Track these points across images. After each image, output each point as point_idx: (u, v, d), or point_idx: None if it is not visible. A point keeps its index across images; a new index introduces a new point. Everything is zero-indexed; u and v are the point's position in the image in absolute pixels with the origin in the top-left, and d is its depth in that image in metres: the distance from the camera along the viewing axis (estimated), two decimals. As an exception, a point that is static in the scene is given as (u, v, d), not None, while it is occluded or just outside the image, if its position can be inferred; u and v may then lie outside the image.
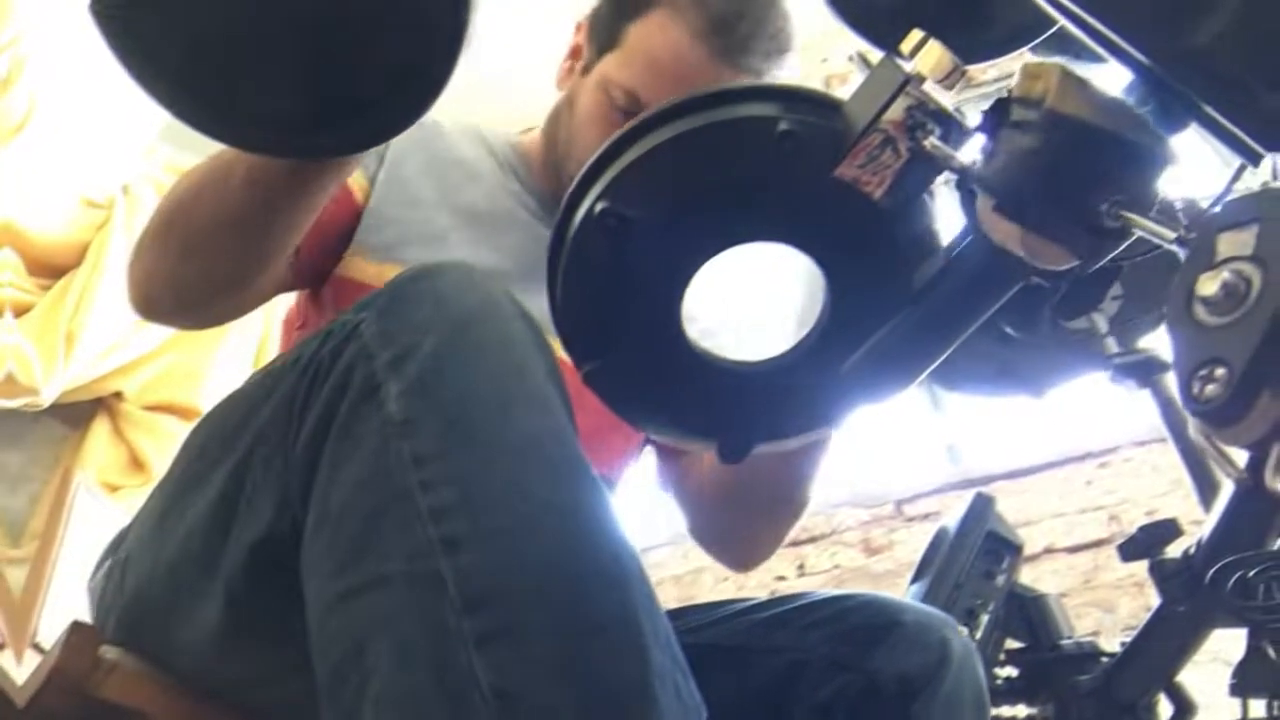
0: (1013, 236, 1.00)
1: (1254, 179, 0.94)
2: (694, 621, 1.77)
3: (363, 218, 1.85)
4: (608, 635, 0.92)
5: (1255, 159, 0.91)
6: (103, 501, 3.63)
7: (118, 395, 4.49)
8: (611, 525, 1.01)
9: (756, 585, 4.98)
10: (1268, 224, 0.80)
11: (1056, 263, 1.02)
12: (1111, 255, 1.00)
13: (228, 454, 1.27)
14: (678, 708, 0.93)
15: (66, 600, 3.08)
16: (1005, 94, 1.02)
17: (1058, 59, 0.95)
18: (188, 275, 1.57)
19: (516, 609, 0.91)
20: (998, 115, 1.02)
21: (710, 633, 1.77)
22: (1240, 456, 0.87)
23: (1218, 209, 0.87)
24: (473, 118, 2.07)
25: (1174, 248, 0.88)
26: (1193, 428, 0.86)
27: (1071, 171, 0.96)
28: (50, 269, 4.19)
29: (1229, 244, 0.82)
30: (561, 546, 0.96)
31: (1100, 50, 0.96)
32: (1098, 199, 0.94)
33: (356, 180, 1.81)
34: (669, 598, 2.51)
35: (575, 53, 2.02)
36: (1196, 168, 1.00)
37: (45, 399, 4.03)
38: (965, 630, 2.17)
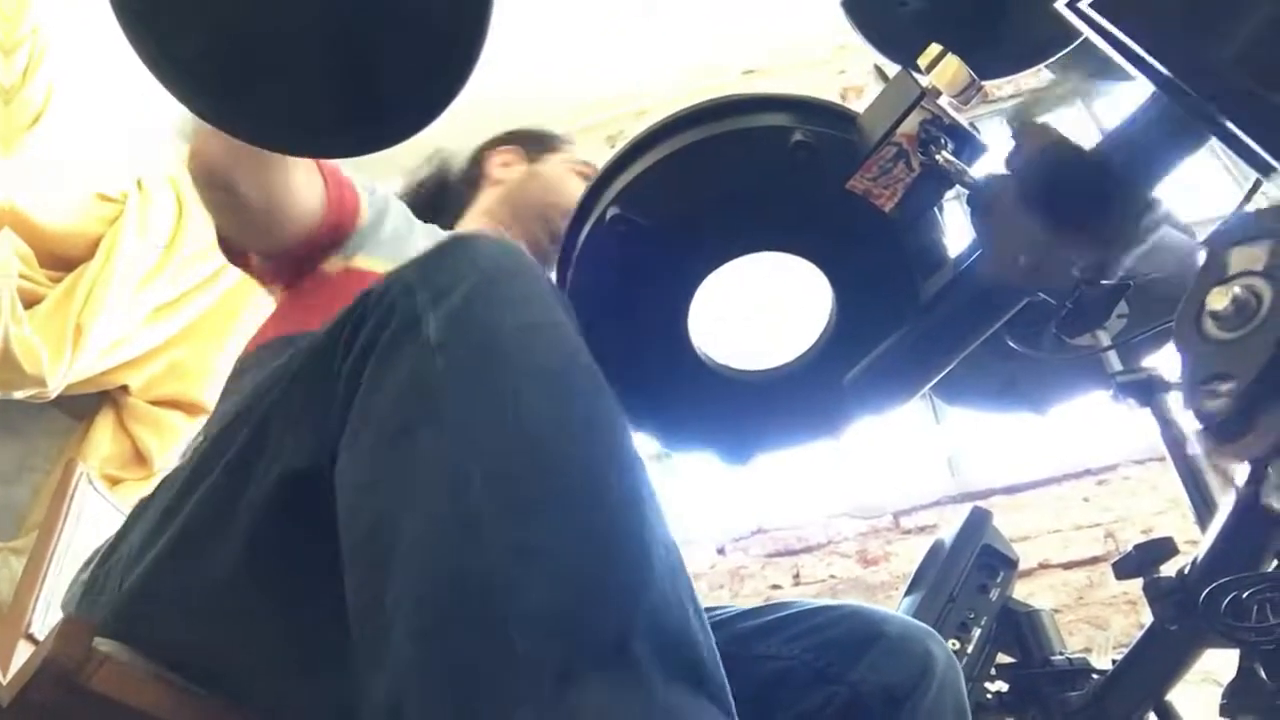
0: (1041, 226, 1.01)
1: (1273, 193, 0.95)
2: None
3: (359, 230, 2.00)
4: (620, 513, 0.98)
5: (1265, 169, 0.92)
6: (104, 494, 3.62)
7: (124, 389, 4.50)
8: (623, 434, 1.06)
9: (751, 593, 4.98)
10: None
11: (1085, 253, 1.03)
12: (1139, 249, 1.01)
13: (255, 407, 1.30)
14: (665, 558, 0.98)
15: (64, 592, 3.08)
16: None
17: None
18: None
19: (540, 487, 0.96)
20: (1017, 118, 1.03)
21: None
22: (1238, 473, 0.88)
23: (1231, 223, 0.87)
24: (477, 126, 2.17)
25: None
26: (1192, 442, 0.87)
27: (1090, 177, 0.97)
28: (62, 261, 4.20)
29: (1241, 258, 0.82)
30: (582, 453, 1.01)
31: (1123, 62, 0.96)
32: (1116, 205, 0.95)
33: (363, 206, 1.94)
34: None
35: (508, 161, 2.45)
36: (1210, 183, 1.01)
37: (51, 391, 4.03)
38: (956, 643, 2.18)
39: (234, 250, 2.01)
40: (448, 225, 2.31)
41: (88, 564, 1.60)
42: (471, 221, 2.38)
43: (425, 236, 2.15)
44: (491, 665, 0.88)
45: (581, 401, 1.06)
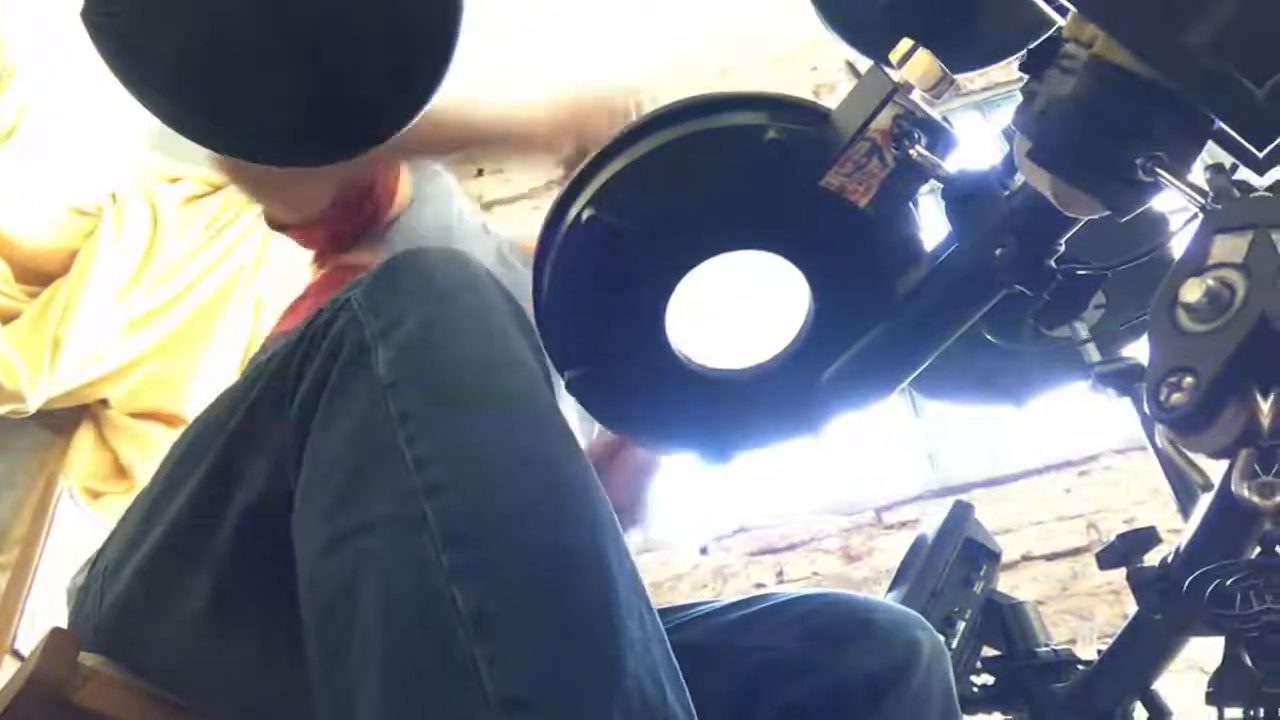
0: (1044, 182, 1.01)
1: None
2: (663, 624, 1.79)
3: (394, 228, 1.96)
4: (577, 566, 0.97)
5: (1249, 159, 0.91)
6: (86, 509, 3.63)
7: (103, 402, 4.50)
8: (581, 472, 1.06)
9: (735, 592, 4.96)
10: (1262, 232, 0.80)
11: (1085, 212, 1.02)
12: (1139, 209, 1.00)
13: (219, 434, 1.31)
14: (639, 633, 0.97)
15: (47, 607, 3.08)
16: (1058, 33, 1.02)
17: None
18: None
19: (492, 543, 0.96)
20: (1044, 54, 1.02)
21: (677, 635, 1.78)
22: (1208, 463, 0.88)
23: (1216, 210, 0.87)
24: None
25: (1200, 214, 0.88)
26: (1159, 434, 0.86)
27: (1111, 121, 0.96)
28: (38, 276, 4.20)
29: (1222, 248, 0.82)
30: (534, 489, 1.01)
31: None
32: (1134, 152, 0.94)
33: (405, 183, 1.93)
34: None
35: None
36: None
37: (30, 405, 4.03)
38: (941, 637, 2.18)
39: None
40: None
41: (81, 570, 1.60)
42: None
43: (474, 234, 2.12)
44: None
45: (534, 442, 1.06)
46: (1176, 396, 0.79)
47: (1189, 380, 0.79)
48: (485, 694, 0.87)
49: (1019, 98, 1.05)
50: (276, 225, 1.97)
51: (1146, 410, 0.84)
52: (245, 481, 1.23)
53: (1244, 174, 0.95)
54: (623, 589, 0.98)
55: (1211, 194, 0.89)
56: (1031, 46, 1.04)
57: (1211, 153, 0.97)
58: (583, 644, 0.93)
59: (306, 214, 1.88)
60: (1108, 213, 1.01)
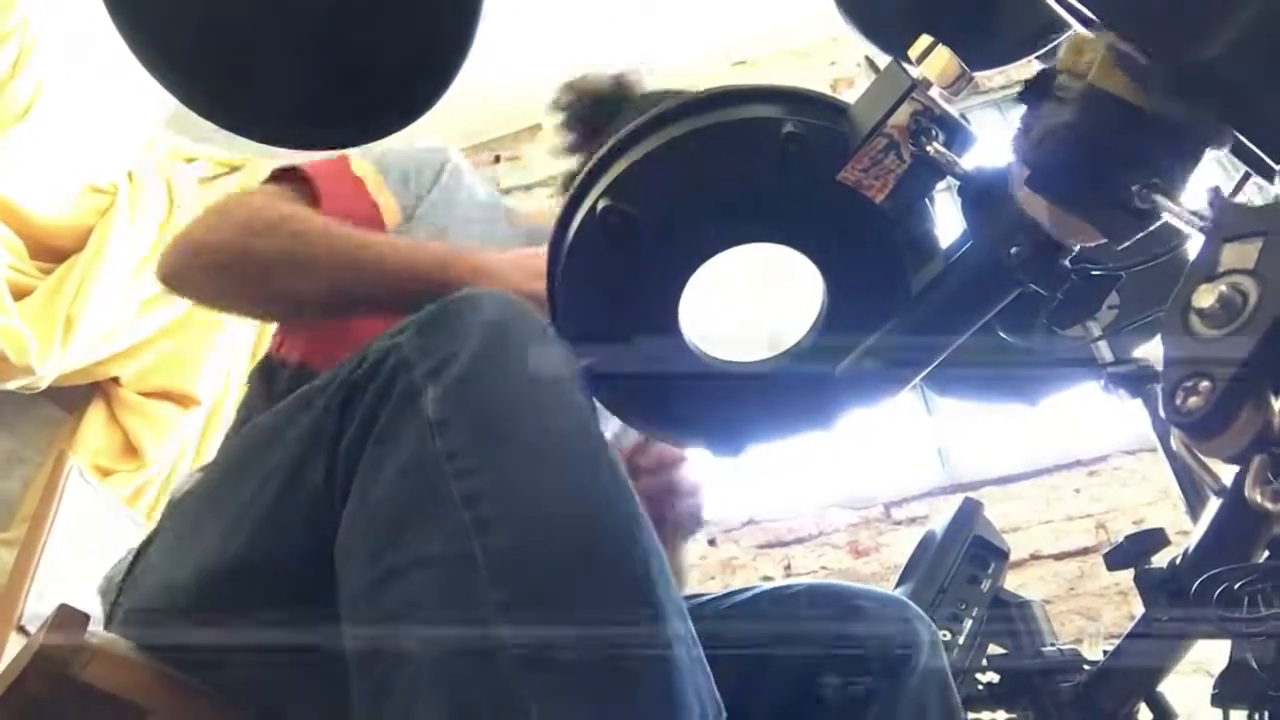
0: (1041, 209, 1.01)
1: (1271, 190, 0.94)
2: None
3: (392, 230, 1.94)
4: (625, 602, 0.97)
5: (1265, 171, 0.91)
6: (95, 486, 3.63)
7: (114, 380, 4.50)
8: (630, 508, 1.06)
9: (742, 584, 4.98)
10: (1272, 238, 0.80)
11: (1083, 239, 1.03)
12: (1136, 236, 1.01)
13: (259, 466, 1.30)
14: (688, 661, 0.97)
15: (55, 583, 3.08)
16: (1052, 66, 1.02)
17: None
18: (233, 304, 1.82)
19: (541, 580, 0.96)
20: (1040, 86, 1.02)
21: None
22: (1221, 468, 0.88)
23: (1227, 217, 0.87)
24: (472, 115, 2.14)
25: (1199, 236, 0.88)
26: (1174, 438, 0.86)
27: (1106, 149, 0.96)
28: (52, 253, 4.20)
29: (1233, 255, 0.82)
30: (582, 525, 1.01)
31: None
32: (1130, 179, 0.94)
33: (388, 204, 1.89)
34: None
35: None
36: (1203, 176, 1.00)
37: (42, 382, 4.03)
38: (947, 634, 2.18)
39: None
40: None
41: (116, 568, 1.61)
42: None
43: (483, 217, 2.11)
44: None
45: (583, 479, 1.05)
46: (1192, 400, 0.80)
47: (1204, 384, 0.79)
48: None
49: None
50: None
51: (1161, 414, 0.84)
52: (285, 517, 1.24)
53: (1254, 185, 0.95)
54: (672, 623, 0.98)
55: (1212, 215, 0.89)
56: (1027, 80, 1.04)
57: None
58: (633, 680, 0.94)
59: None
60: (1104, 240, 1.01)
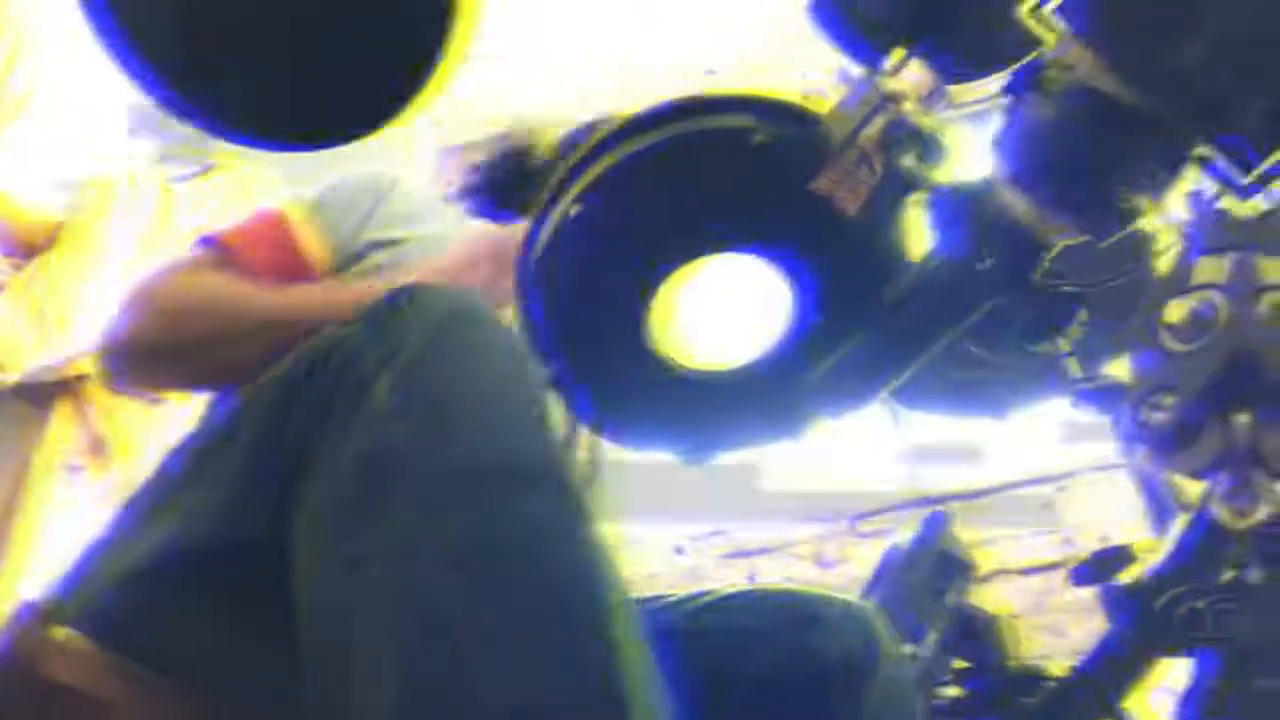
0: (1021, 205, 1.01)
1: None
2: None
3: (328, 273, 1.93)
4: (580, 579, 0.99)
5: (1234, 185, 0.91)
6: (65, 483, 3.62)
7: (83, 377, 4.49)
8: (567, 479, 1.07)
9: (707, 594, 5.00)
10: (1245, 254, 0.80)
11: (1062, 236, 1.02)
12: (1116, 234, 1.00)
13: (211, 461, 1.30)
14: (636, 640, 1.00)
15: (23, 581, 3.08)
16: (1040, 55, 1.02)
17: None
18: (179, 383, 1.88)
19: (496, 563, 0.97)
20: (1026, 76, 1.02)
21: (649, 622, 1.80)
22: (1186, 483, 0.88)
23: (1200, 232, 0.87)
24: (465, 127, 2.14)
25: (1177, 241, 0.88)
26: (1139, 454, 0.86)
27: (1090, 147, 0.96)
28: (25, 249, 4.19)
29: (1206, 270, 0.82)
30: (529, 499, 1.02)
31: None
32: (1113, 178, 0.94)
33: (317, 249, 1.88)
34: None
35: None
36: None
37: (10, 379, 4.02)
38: (912, 648, 2.18)
39: None
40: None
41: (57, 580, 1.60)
42: None
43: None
44: None
45: (530, 460, 1.06)
46: (1157, 416, 0.80)
47: (1169, 400, 0.79)
48: (493, 708, 0.89)
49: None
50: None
51: (1127, 429, 0.84)
52: (238, 518, 1.23)
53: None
54: (614, 596, 1.00)
55: (1192, 220, 0.89)
56: (1013, 68, 1.03)
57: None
58: (584, 655, 0.94)
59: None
60: (1085, 237, 1.01)
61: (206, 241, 1.89)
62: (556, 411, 1.16)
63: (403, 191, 2.06)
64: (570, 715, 0.91)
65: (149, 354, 1.75)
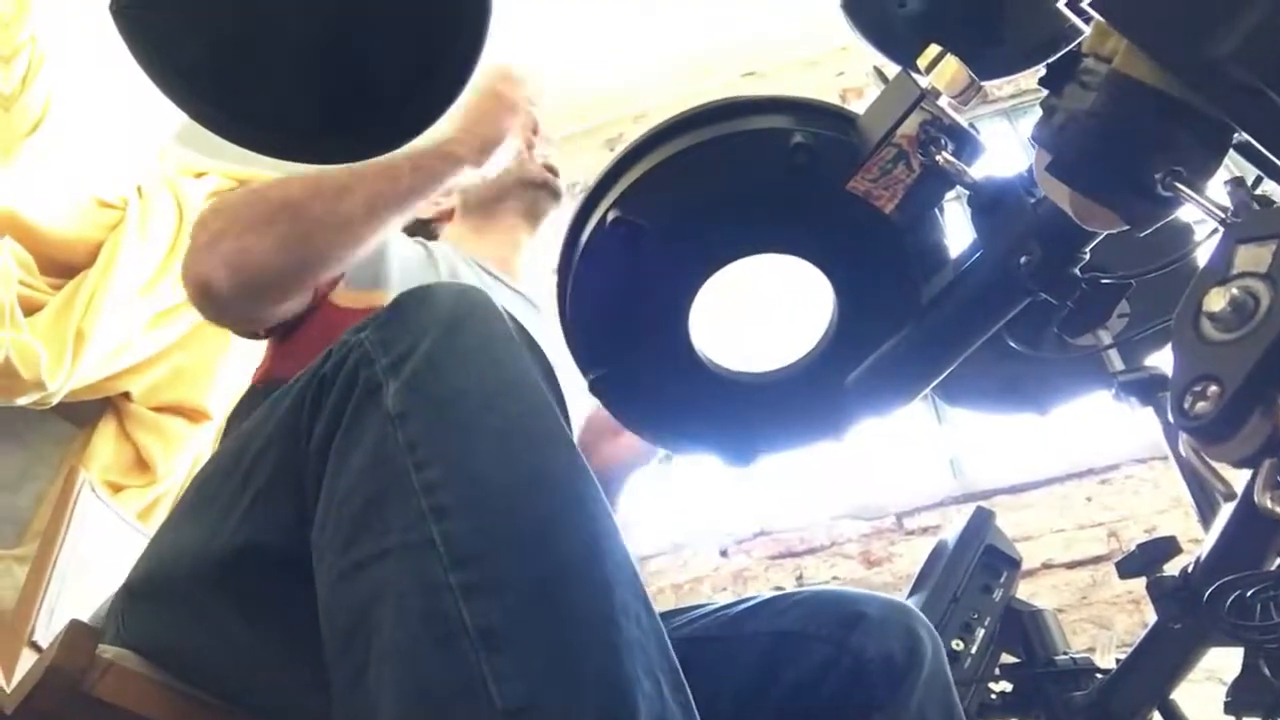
0: (1063, 196, 1.01)
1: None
2: (668, 624, 1.80)
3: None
4: (577, 580, 1.00)
5: (1276, 172, 0.91)
6: (106, 502, 3.62)
7: (125, 395, 4.50)
8: (583, 487, 1.08)
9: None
10: (1285, 240, 0.80)
11: (1104, 226, 1.02)
12: (1158, 224, 1.00)
13: (237, 468, 1.32)
14: (637, 634, 0.99)
15: (67, 599, 3.09)
16: (1078, 47, 1.02)
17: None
18: (278, 265, 1.77)
19: (496, 563, 0.98)
20: (1064, 68, 1.02)
21: (688, 629, 1.82)
22: (1233, 473, 0.87)
23: (1240, 221, 0.87)
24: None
25: (1217, 229, 0.88)
26: (1183, 444, 0.86)
27: (1130, 136, 0.95)
28: (62, 268, 4.20)
29: (1246, 258, 0.82)
30: (535, 508, 1.03)
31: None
32: (1153, 167, 0.94)
33: None
34: (668, 604, 2.54)
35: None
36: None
37: (53, 397, 4.03)
38: (960, 643, 2.18)
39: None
40: None
41: (109, 600, 1.62)
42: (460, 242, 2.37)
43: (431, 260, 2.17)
44: None
45: (537, 462, 1.08)
46: (1201, 405, 0.79)
47: (1214, 389, 0.79)
48: (493, 705, 0.90)
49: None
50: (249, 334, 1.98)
51: (1170, 419, 0.84)
52: (255, 518, 1.27)
53: (1268, 186, 0.95)
54: (620, 595, 1.00)
55: (1232, 208, 0.89)
56: (1051, 61, 1.03)
57: (1236, 163, 0.97)
58: (582, 653, 0.95)
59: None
60: (1126, 227, 1.01)
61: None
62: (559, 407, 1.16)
63: None
64: (572, 712, 0.92)
65: (263, 224, 1.72)
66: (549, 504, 1.04)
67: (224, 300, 1.75)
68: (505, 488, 1.03)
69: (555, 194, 2.43)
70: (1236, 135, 0.93)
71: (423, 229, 2.42)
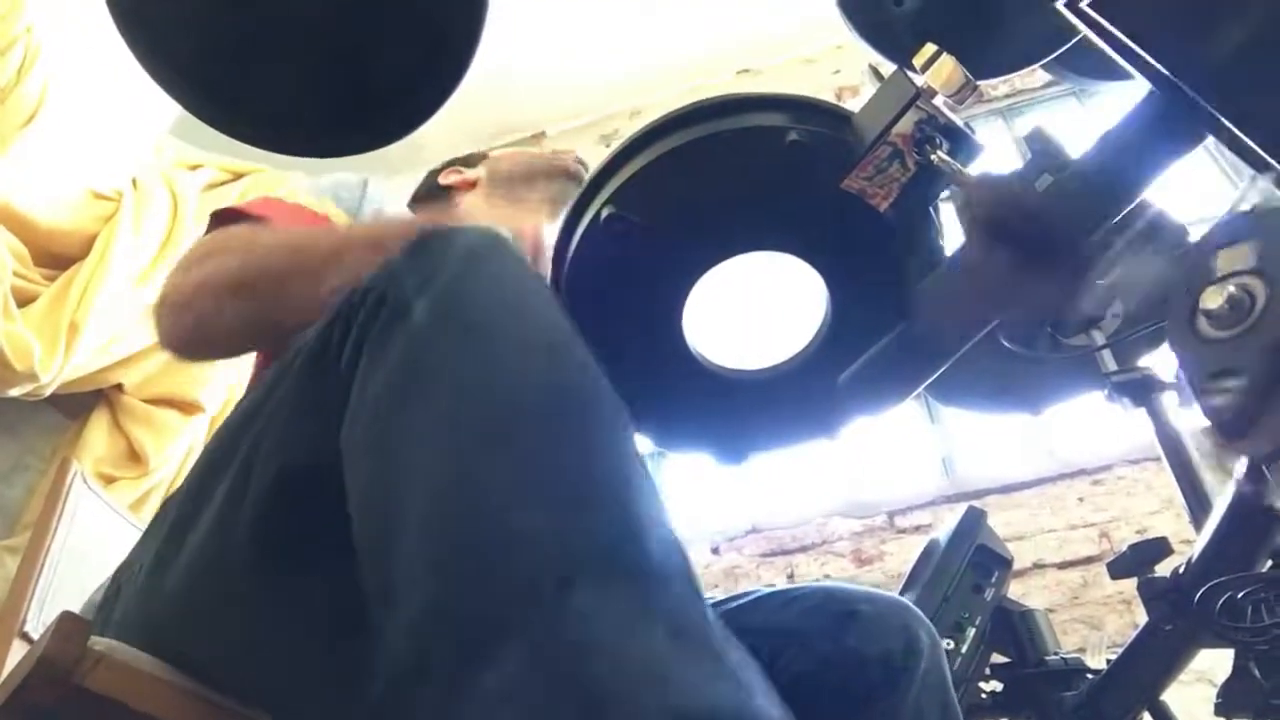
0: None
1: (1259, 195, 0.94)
2: None
3: None
4: (600, 467, 1.00)
5: (1259, 164, 0.91)
6: (98, 493, 3.62)
7: (118, 387, 4.49)
8: (604, 401, 1.08)
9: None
10: (1270, 237, 0.80)
11: (1095, 226, 1.03)
12: (1145, 224, 1.01)
13: (263, 406, 1.32)
14: (648, 491, 1.00)
15: (58, 591, 3.08)
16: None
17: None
18: (240, 338, 1.71)
19: (527, 434, 0.99)
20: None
21: None
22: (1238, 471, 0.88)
23: (1215, 227, 0.87)
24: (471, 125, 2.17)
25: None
26: (1193, 440, 0.86)
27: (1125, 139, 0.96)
28: (56, 260, 4.19)
29: (1228, 259, 0.82)
30: (556, 408, 1.03)
31: (1121, 61, 0.96)
32: (1146, 169, 0.94)
33: (335, 215, 1.89)
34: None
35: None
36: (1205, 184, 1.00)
37: (45, 388, 4.03)
38: (951, 643, 2.18)
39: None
40: None
41: (101, 587, 1.61)
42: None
43: None
44: (497, 582, 0.90)
45: (563, 370, 1.08)
46: (1224, 398, 0.79)
47: (1235, 382, 0.79)
48: (536, 564, 0.90)
49: (1042, 104, 1.05)
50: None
51: (1168, 422, 0.84)
52: (287, 445, 1.25)
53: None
54: (643, 501, 0.99)
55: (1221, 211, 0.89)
56: (1044, 61, 1.04)
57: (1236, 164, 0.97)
58: (604, 522, 0.95)
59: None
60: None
61: (228, 214, 1.89)
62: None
63: (371, 194, 2.10)
64: (597, 550, 0.92)
65: (235, 288, 1.73)
66: (573, 404, 1.05)
67: (182, 356, 1.76)
68: (536, 392, 1.04)
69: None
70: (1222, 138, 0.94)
71: (441, 194, 2.43)
